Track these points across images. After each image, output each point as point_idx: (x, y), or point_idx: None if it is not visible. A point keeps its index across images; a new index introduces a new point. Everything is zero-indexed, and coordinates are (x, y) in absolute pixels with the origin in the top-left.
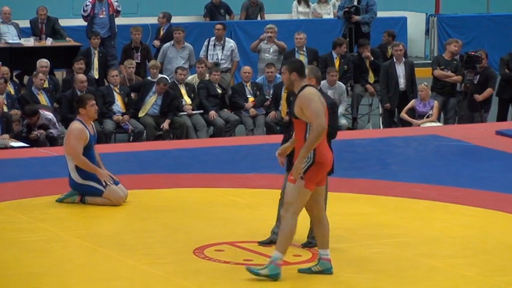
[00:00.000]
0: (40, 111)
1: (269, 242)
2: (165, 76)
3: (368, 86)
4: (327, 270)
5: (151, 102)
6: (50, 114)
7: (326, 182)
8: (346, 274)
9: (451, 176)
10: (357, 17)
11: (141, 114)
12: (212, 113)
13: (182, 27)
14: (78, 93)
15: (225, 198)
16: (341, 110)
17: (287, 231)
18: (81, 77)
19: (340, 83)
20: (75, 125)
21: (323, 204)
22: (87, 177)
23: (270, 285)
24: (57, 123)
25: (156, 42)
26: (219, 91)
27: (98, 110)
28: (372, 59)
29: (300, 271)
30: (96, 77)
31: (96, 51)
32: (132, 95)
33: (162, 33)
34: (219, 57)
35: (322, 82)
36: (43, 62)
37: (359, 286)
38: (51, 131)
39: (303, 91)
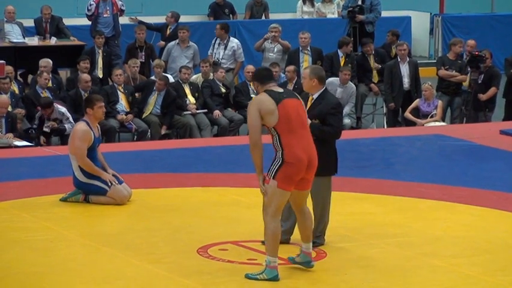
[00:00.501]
0: (54, 104)
1: None
2: (166, 74)
3: (372, 85)
4: (306, 263)
5: (153, 102)
6: (63, 108)
7: (330, 184)
8: (349, 273)
9: (455, 176)
10: (361, 17)
11: (145, 115)
12: (216, 112)
13: (188, 27)
14: (82, 92)
15: (228, 198)
16: (347, 110)
17: (269, 235)
18: (86, 76)
19: (351, 83)
20: (80, 125)
21: (303, 207)
22: (91, 176)
23: (272, 285)
24: (70, 118)
25: (161, 43)
26: (223, 90)
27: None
28: (380, 67)
29: (289, 259)
30: (100, 76)
31: (100, 51)
32: (137, 94)
33: (168, 32)
34: (220, 56)
35: (333, 80)
36: (43, 62)
37: (362, 285)
38: (64, 124)
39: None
